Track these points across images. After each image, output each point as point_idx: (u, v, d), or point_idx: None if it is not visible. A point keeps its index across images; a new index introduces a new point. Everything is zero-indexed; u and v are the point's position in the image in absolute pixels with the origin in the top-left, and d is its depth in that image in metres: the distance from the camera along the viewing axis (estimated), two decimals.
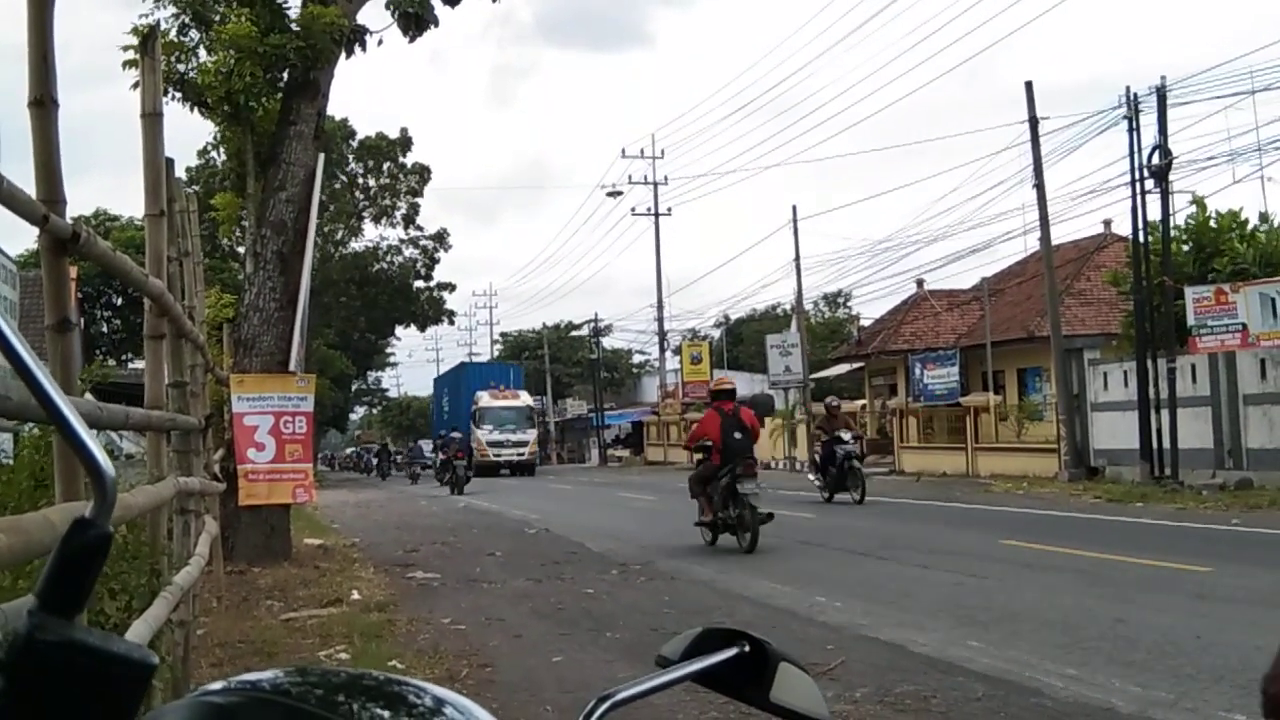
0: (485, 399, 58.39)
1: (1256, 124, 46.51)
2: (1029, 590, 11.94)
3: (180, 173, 15.75)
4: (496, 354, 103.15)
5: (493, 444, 56.27)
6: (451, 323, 68.09)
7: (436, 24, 17.01)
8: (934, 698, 7.34)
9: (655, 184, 57.88)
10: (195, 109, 15.80)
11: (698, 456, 17.61)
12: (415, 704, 0.99)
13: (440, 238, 59.59)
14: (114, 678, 0.84)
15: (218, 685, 0.93)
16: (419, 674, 8.18)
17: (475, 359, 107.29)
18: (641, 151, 58.15)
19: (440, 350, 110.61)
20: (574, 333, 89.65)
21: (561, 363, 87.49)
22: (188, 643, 7.04)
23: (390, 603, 11.96)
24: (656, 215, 57.83)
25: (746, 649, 1.43)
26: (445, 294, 62.34)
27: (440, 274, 60.94)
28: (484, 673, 8.48)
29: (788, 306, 54.74)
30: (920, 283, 48.13)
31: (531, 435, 58.73)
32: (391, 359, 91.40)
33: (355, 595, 12.31)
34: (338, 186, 51.33)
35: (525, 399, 60.81)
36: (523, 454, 57.08)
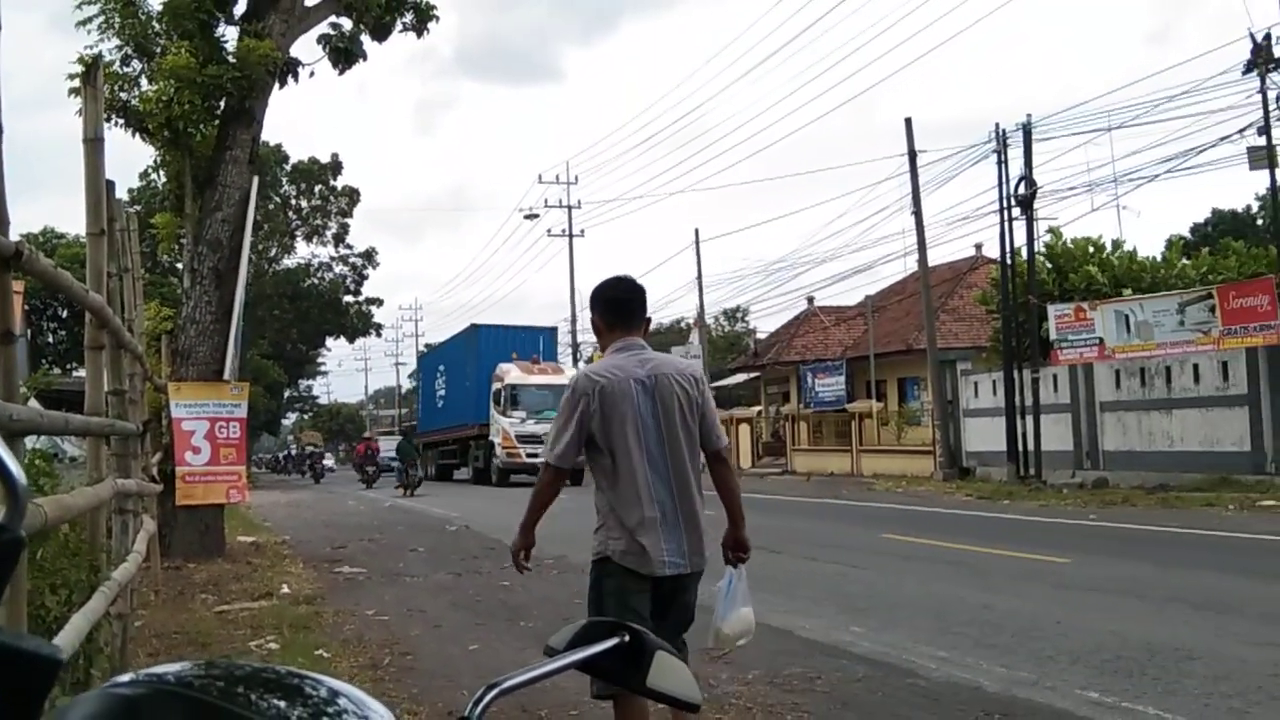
0: (514, 374, 38.38)
1: (1113, 158, 47.51)
2: (906, 580, 12.05)
3: (122, 194, 15.49)
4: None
5: (526, 438, 36.41)
6: (379, 335, 67.70)
7: (365, 58, 16.91)
8: (819, 679, 7.38)
9: (569, 208, 57.66)
10: (137, 134, 15.55)
11: None
12: (311, 695, 0.98)
13: (369, 255, 59.24)
14: (22, 673, 0.83)
15: (126, 678, 0.92)
16: (344, 662, 8.16)
17: (403, 368, 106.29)
18: (557, 177, 57.89)
19: (369, 360, 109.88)
20: None
21: None
22: (125, 634, 6.91)
23: (318, 596, 11.81)
24: (570, 236, 57.62)
25: (627, 639, 1.44)
26: (373, 308, 61.93)
27: (368, 289, 60.42)
28: (405, 660, 8.40)
29: (690, 320, 54.85)
30: (811, 300, 48.57)
31: None
32: (322, 368, 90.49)
33: (285, 589, 12.14)
34: (271, 207, 50.92)
35: (571, 373, 34.66)
36: None
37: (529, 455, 35.60)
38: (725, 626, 5.31)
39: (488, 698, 1.20)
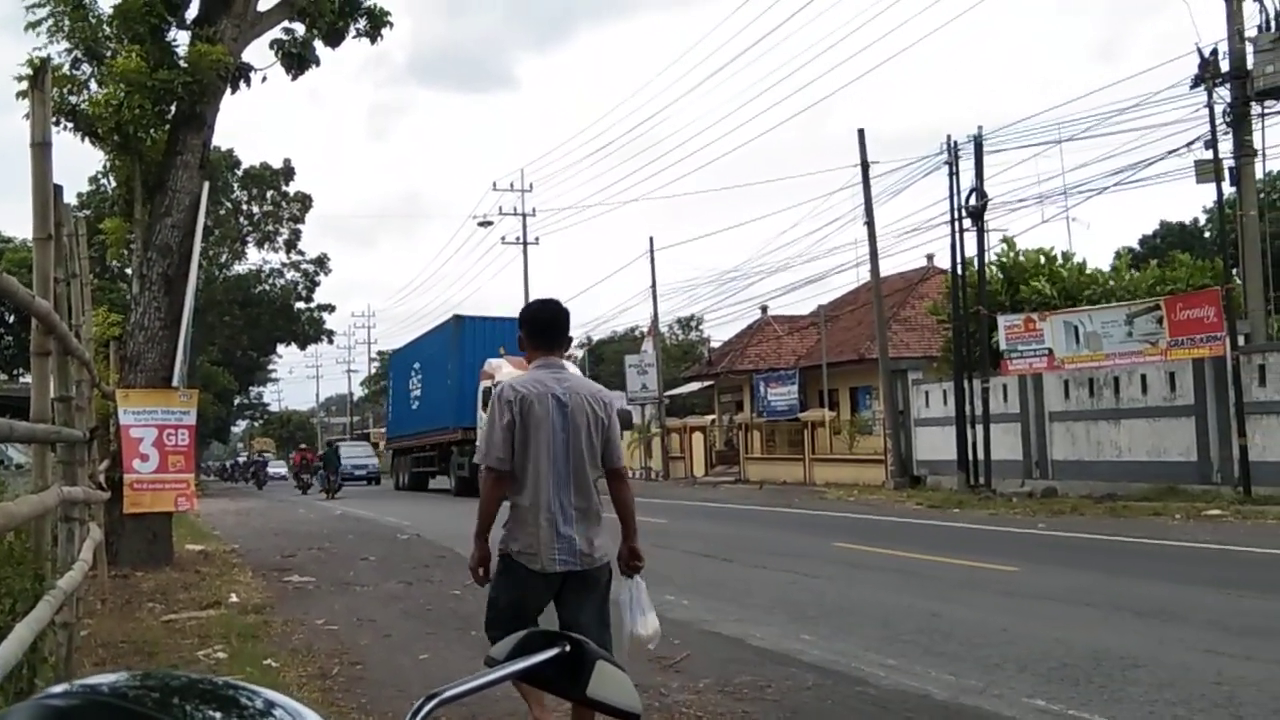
0: (507, 371, 31.12)
1: (1063, 170, 48.05)
2: (856, 588, 12.11)
3: (71, 198, 15.37)
4: (374, 372, 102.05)
5: None
6: (331, 341, 67.25)
7: (318, 63, 16.83)
8: (769, 687, 7.40)
9: (524, 215, 57.56)
10: (86, 138, 15.40)
11: None
12: (247, 706, 0.98)
13: (321, 262, 58.94)
14: None
15: (59, 688, 0.91)
16: (293, 672, 8.10)
17: (355, 375, 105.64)
18: (511, 185, 57.82)
19: (320, 367, 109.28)
20: None
21: None
22: (71, 643, 6.83)
23: (267, 605, 11.72)
24: (525, 244, 57.51)
25: (567, 649, 1.45)
26: (325, 314, 61.64)
27: (320, 296, 59.73)
28: (354, 670, 8.35)
29: (644, 329, 54.91)
30: (764, 309, 48.79)
31: None
32: (273, 375, 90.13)
33: (234, 598, 12.03)
34: (223, 213, 50.63)
35: (574, 371, 28.29)
36: None
37: None
38: (641, 631, 5.74)
39: (426, 708, 1.20)
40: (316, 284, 59.34)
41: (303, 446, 60.38)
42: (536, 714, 5.66)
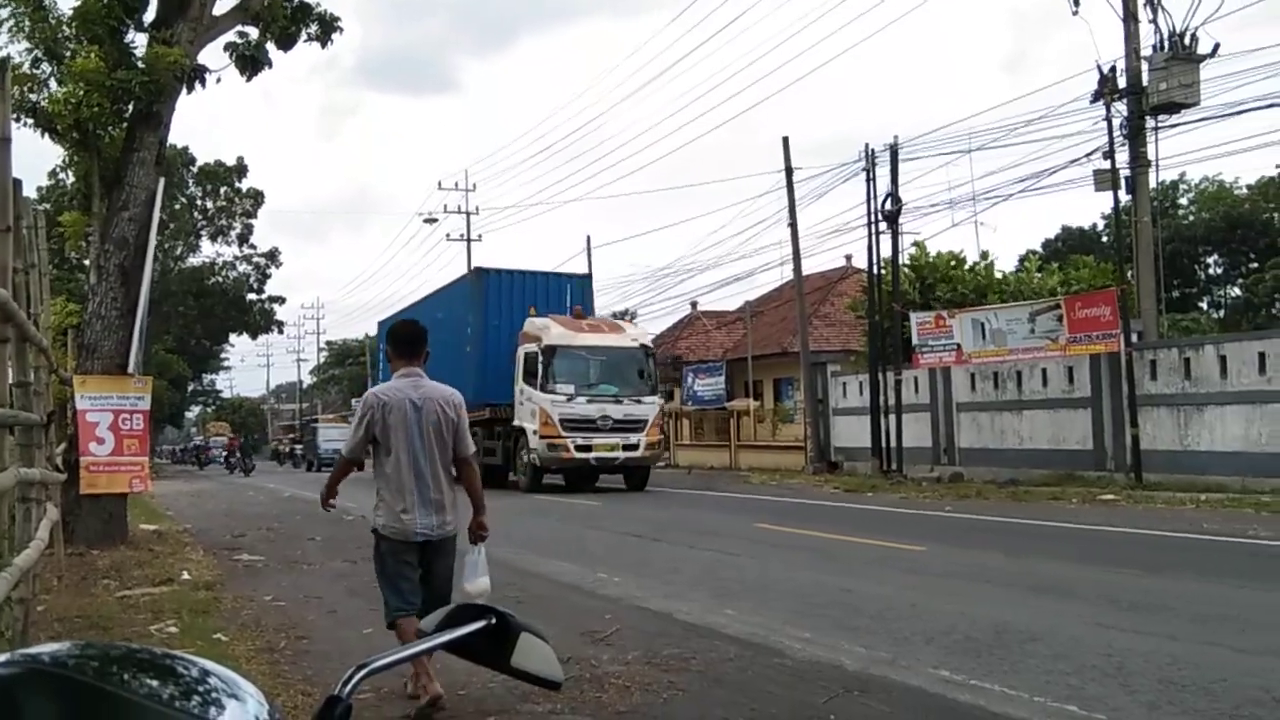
0: (556, 333, 26.58)
1: (972, 177, 48.58)
2: (776, 566, 12.17)
3: (31, 192, 15.11)
4: (322, 361, 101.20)
5: (577, 423, 25.69)
6: (281, 332, 66.50)
7: (270, 65, 16.62)
8: (694, 659, 7.42)
9: (468, 213, 57.24)
10: (46, 135, 15.14)
11: None
12: (183, 674, 0.97)
13: (272, 255, 58.28)
14: None
15: (1, 658, 0.90)
16: (241, 645, 8.03)
17: (304, 363, 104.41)
18: (456, 184, 57.45)
19: (271, 356, 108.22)
20: None
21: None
22: (27, 618, 6.73)
23: (217, 582, 11.59)
24: (469, 241, 57.18)
25: (493, 622, 1.45)
26: (276, 306, 60.82)
27: (271, 288, 59.01)
28: (301, 644, 8.28)
29: None
30: (694, 305, 48.87)
31: (652, 408, 26.67)
32: (225, 363, 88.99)
33: (185, 575, 11.89)
34: (178, 207, 49.94)
35: (637, 333, 28.93)
36: (636, 445, 25.95)
37: (579, 449, 25.33)
38: (469, 587, 6.59)
39: (356, 677, 1.20)
40: (267, 276, 58.75)
41: (232, 435, 65.52)
42: (424, 684, 6.20)
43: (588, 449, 25.43)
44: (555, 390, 25.57)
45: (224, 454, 58.43)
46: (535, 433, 25.67)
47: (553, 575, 11.85)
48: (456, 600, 6.02)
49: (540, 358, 25.85)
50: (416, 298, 39.86)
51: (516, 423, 27.00)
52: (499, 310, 29.33)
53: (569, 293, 30.24)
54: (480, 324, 29.37)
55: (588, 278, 32.82)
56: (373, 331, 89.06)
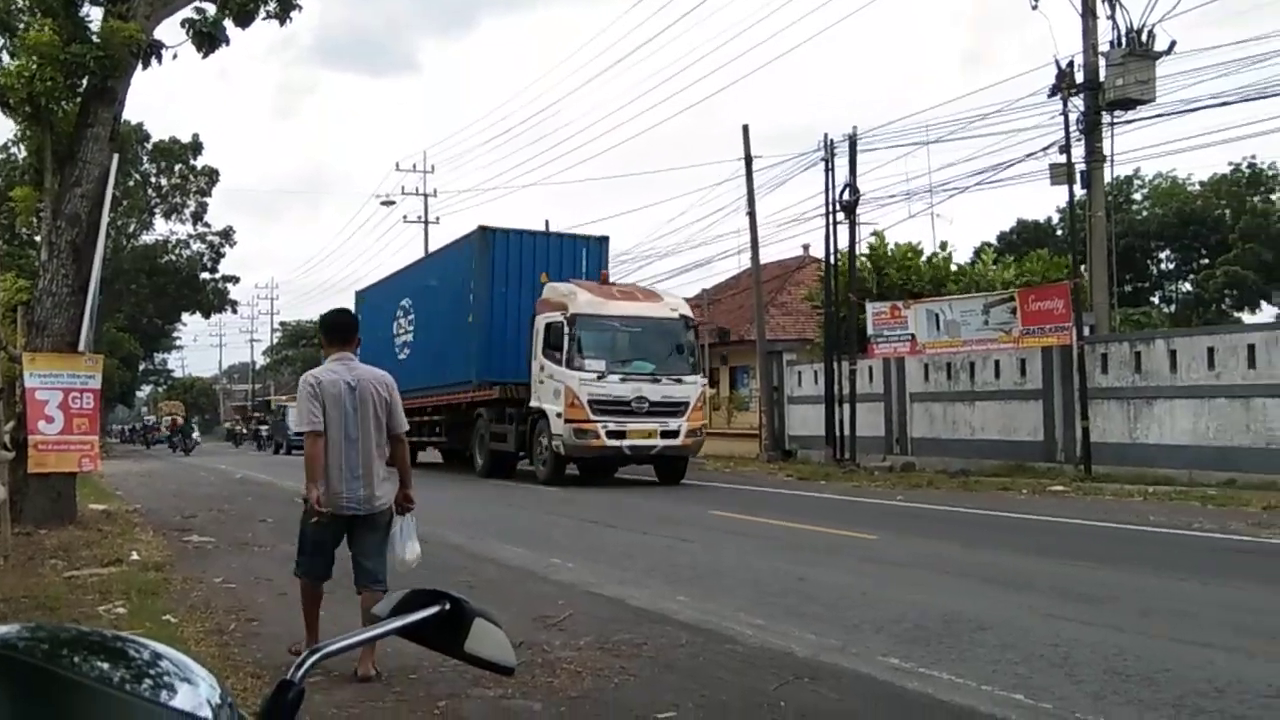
0: (583, 300, 23.09)
1: (930, 169, 48.80)
2: (729, 553, 12.21)
3: None
4: (276, 341, 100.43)
5: (608, 406, 22.26)
6: (234, 311, 65.73)
7: (228, 42, 16.40)
8: (646, 644, 7.45)
9: (425, 195, 57.04)
10: None
11: None
12: (134, 657, 0.97)
13: (226, 234, 57.57)
14: None
15: None
16: (191, 627, 7.98)
17: (258, 343, 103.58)
18: (414, 166, 57.19)
19: (224, 336, 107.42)
20: None
21: None
22: None
23: (167, 563, 11.49)
24: (426, 223, 56.97)
25: (447, 607, 1.45)
26: (230, 285, 60.10)
27: (225, 267, 58.08)
28: (251, 626, 8.24)
29: None
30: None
31: (694, 389, 23.27)
32: (178, 342, 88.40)
33: (135, 556, 11.78)
34: (131, 184, 49.29)
35: (676, 302, 24.85)
36: (675, 432, 22.64)
37: (611, 435, 21.90)
38: (403, 554, 7.00)
39: (309, 661, 1.20)
40: (221, 255, 58.01)
41: (172, 414, 66.95)
42: (364, 661, 6.57)
43: (620, 435, 22.00)
44: (584, 367, 22.14)
45: (168, 434, 59.66)
46: (559, 416, 22.12)
47: (506, 560, 11.84)
48: (390, 566, 6.95)
49: (565, 329, 22.29)
50: (372, 279, 38.39)
51: (534, 404, 23.32)
52: (506, 276, 26.12)
53: (585, 257, 27.03)
54: (486, 291, 26.02)
55: (605, 240, 28.35)
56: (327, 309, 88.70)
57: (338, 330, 7.15)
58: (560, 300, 23.00)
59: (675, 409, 22.40)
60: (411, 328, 31.75)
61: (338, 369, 6.85)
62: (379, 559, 6.91)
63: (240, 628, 8.17)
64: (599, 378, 22.02)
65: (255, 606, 9.06)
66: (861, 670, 6.69)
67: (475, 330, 25.92)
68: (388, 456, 6.97)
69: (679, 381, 22.67)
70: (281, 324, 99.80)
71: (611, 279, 26.93)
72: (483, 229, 26.74)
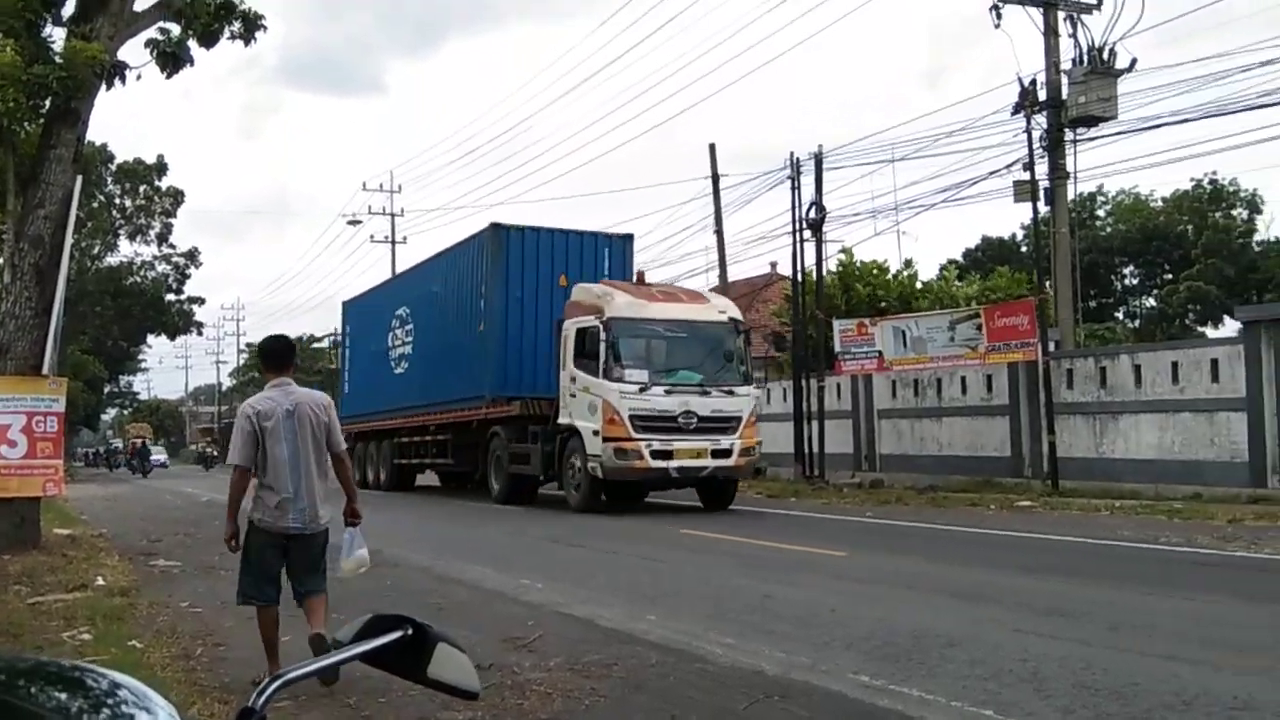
0: (621, 301, 20.63)
1: (895, 187, 49.10)
2: (699, 571, 12.19)
3: None
4: (242, 363, 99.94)
5: (653, 422, 19.69)
6: (200, 333, 65.59)
7: (192, 63, 16.34)
8: (616, 665, 7.42)
9: (393, 215, 56.99)
10: None
11: None
12: (93, 687, 0.96)
13: (191, 255, 57.27)
14: None
15: None
16: (157, 652, 7.90)
17: (224, 365, 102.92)
18: (381, 185, 57.14)
19: (190, 358, 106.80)
20: (315, 344, 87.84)
21: (304, 371, 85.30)
22: None
23: (133, 588, 11.38)
24: (393, 243, 56.92)
25: (409, 632, 1.44)
26: (195, 306, 59.87)
27: (190, 288, 57.74)
28: (218, 651, 8.16)
29: None
30: None
31: (747, 401, 20.72)
32: (143, 365, 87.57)
33: (100, 581, 11.66)
34: (95, 206, 48.98)
35: (724, 304, 22.44)
36: (728, 451, 20.03)
37: (656, 455, 19.37)
38: (345, 564, 7.38)
39: (271, 688, 1.19)
40: (187, 277, 57.73)
41: (136, 437, 67.37)
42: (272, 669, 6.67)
43: (667, 455, 19.48)
44: (624, 377, 19.63)
45: (127, 457, 60.96)
46: (596, 434, 19.64)
47: (475, 582, 11.79)
48: (333, 576, 7.31)
49: (602, 335, 19.79)
50: (339, 299, 37.85)
51: (564, 420, 20.85)
52: (522, 279, 23.76)
53: (607, 257, 24.59)
54: (500, 296, 23.66)
55: (629, 239, 25.93)
56: (294, 333, 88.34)
57: (275, 356, 7.48)
58: (594, 303, 20.56)
59: (727, 425, 20.03)
60: (410, 339, 29.30)
61: (275, 395, 7.11)
62: (316, 575, 7.19)
63: (207, 652, 8.09)
64: (641, 390, 19.58)
65: (222, 631, 8.98)
66: (832, 688, 6.69)
67: (488, 339, 23.75)
68: (329, 475, 7.22)
69: (730, 393, 20.25)
70: (248, 345, 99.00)
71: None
72: (495, 226, 24.48)
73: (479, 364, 24.12)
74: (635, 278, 23.02)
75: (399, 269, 44.90)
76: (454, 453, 26.57)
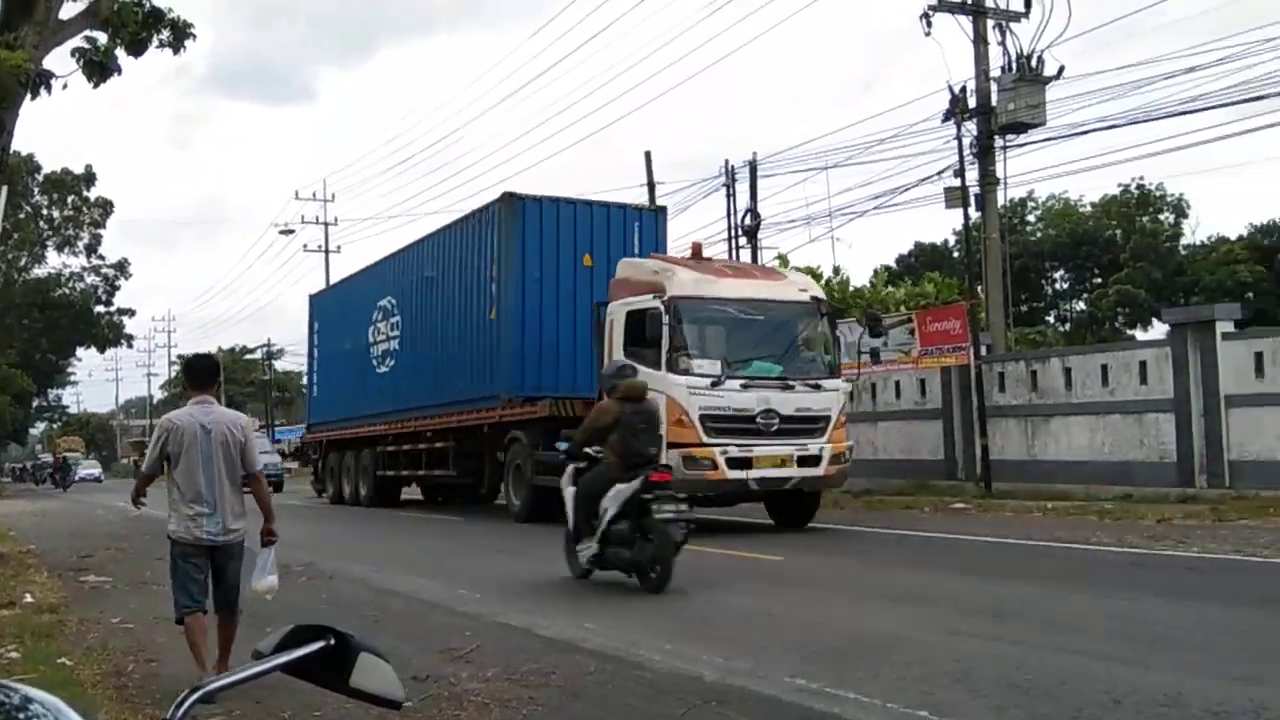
0: (685, 278, 17.00)
1: (829, 194, 49.42)
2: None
3: None
4: (174, 375, 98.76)
5: (729, 424, 16.16)
6: (130, 345, 64.48)
7: (120, 72, 16.12)
8: (554, 674, 7.40)
9: (326, 224, 56.57)
10: None
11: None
12: (3, 703, 0.95)
13: (121, 266, 56.36)
14: None
15: None
16: (87, 670, 7.79)
17: (155, 377, 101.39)
18: (314, 194, 56.70)
19: (120, 370, 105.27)
20: (248, 356, 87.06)
21: (236, 383, 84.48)
22: None
23: (62, 604, 11.18)
24: (327, 252, 56.50)
25: (331, 642, 1.44)
26: (125, 318, 58.84)
27: (120, 300, 56.76)
28: (150, 667, 8.05)
29: None
30: None
31: (835, 398, 17.23)
32: (73, 378, 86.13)
33: (28, 598, 11.45)
34: (22, 216, 48.13)
35: (804, 281, 19.63)
36: (817, 458, 16.60)
37: (733, 464, 15.99)
38: (257, 584, 7.53)
39: (189, 701, 1.18)
40: (117, 288, 56.79)
41: (60, 453, 68.01)
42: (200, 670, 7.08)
43: (745, 464, 16.12)
44: (691, 369, 16.15)
45: (51, 471, 61.41)
46: (667, 440, 14.78)
47: (412, 593, 11.70)
48: (246, 594, 7.48)
49: (664, 318, 16.14)
50: (272, 309, 37.60)
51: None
52: (540, 257, 20.49)
53: (638, 234, 21.25)
54: (515, 277, 20.40)
55: (662, 212, 23.11)
56: (226, 344, 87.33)
57: (199, 375, 7.79)
58: (651, 280, 17.06)
59: (813, 426, 16.71)
60: (397, 333, 25.61)
61: (195, 411, 7.34)
62: (234, 586, 7.44)
63: (139, 669, 7.98)
64: (714, 384, 16.09)
65: (154, 646, 8.84)
66: (768, 693, 6.71)
67: (502, 329, 20.48)
68: (243, 492, 7.46)
69: (816, 388, 16.92)
70: (179, 357, 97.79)
71: None
72: (510, 196, 20.99)
73: (490, 358, 21.01)
74: (690, 251, 19.15)
75: (334, 279, 44.35)
76: (456, 462, 22.90)
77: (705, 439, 15.92)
